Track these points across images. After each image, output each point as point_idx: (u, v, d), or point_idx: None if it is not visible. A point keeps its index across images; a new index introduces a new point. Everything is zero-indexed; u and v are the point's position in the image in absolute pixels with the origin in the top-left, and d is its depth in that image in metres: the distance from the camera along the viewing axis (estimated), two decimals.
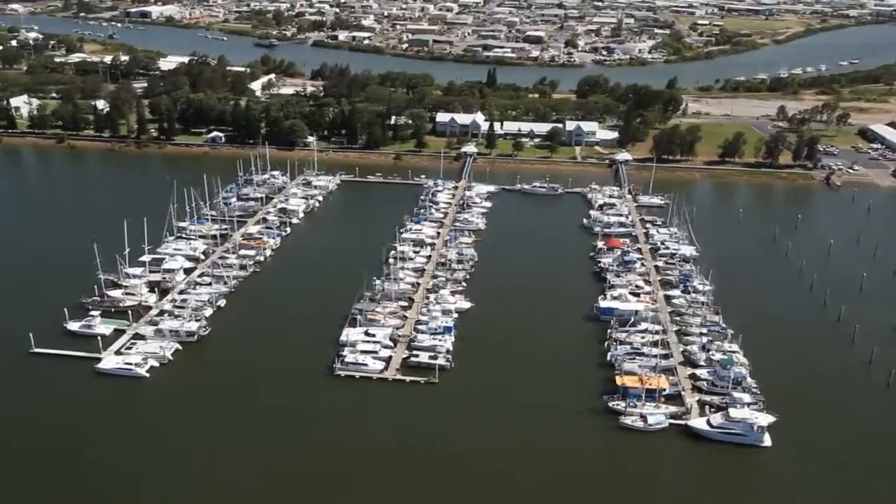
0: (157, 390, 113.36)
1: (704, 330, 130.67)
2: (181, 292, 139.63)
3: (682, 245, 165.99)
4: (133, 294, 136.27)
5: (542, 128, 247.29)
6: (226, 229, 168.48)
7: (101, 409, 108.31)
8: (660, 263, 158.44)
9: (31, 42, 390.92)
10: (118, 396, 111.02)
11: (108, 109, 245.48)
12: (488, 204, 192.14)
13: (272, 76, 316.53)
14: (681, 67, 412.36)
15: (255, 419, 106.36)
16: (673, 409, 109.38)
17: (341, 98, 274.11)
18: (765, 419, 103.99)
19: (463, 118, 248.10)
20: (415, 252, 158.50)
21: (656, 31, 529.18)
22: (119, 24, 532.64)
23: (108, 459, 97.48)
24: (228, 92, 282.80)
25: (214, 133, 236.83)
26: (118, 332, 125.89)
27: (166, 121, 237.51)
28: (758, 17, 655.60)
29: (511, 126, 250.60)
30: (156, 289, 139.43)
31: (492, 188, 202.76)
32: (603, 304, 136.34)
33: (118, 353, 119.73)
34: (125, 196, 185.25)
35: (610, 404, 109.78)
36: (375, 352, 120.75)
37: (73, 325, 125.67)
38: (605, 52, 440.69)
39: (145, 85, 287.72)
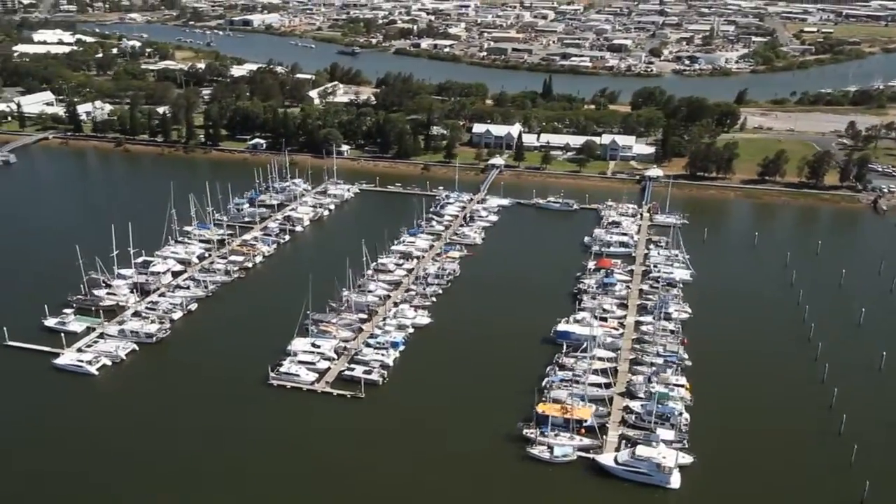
0: (102, 388, 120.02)
1: (660, 360, 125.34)
2: (160, 295, 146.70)
3: (676, 269, 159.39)
4: (114, 294, 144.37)
5: (581, 141, 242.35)
6: (230, 235, 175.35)
7: (46, 401, 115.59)
8: (644, 287, 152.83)
9: (128, 49, 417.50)
10: (64, 391, 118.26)
11: (167, 115, 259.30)
12: (494, 218, 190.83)
13: (328, 85, 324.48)
14: (767, 78, 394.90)
15: (181, 421, 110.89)
16: (587, 441, 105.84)
17: (392, 107, 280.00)
18: (674, 459, 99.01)
19: (499, 129, 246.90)
20: (396, 265, 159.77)
21: (754, 39, 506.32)
22: (220, 32, 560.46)
23: (36, 452, 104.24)
24: (289, 99, 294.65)
25: (256, 140, 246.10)
26: (90, 330, 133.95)
27: (213, 127, 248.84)
28: (877, 24, 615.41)
29: (547, 139, 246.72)
30: (134, 290, 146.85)
31: (506, 202, 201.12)
32: (561, 327, 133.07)
33: (80, 350, 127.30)
34: (148, 198, 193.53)
35: (525, 432, 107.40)
36: (313, 363, 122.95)
37: (50, 322, 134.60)
38: (687, 62, 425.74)
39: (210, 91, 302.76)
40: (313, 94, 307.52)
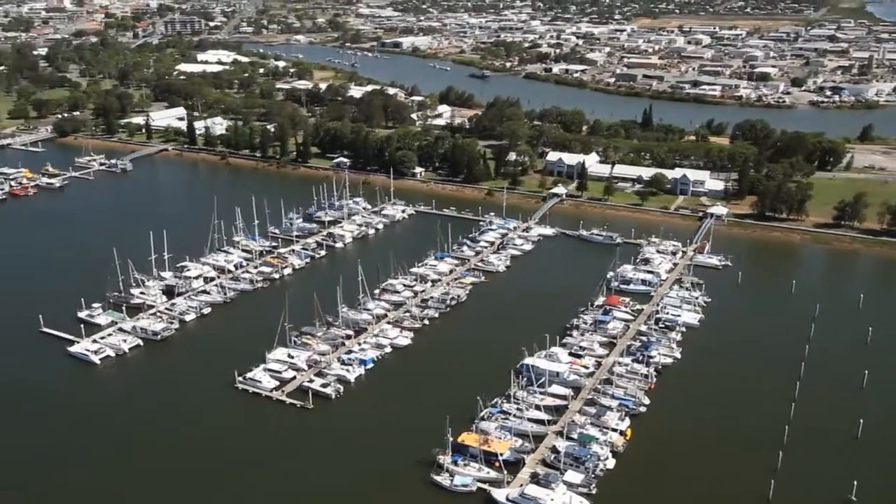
0: (97, 376, 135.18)
1: (615, 403, 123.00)
2: (184, 297, 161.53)
3: (685, 311, 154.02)
4: (145, 294, 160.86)
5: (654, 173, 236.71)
6: (273, 246, 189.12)
7: (46, 382, 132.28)
8: (644, 328, 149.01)
9: (272, 69, 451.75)
10: (65, 374, 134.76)
11: (269, 132, 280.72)
12: (528, 247, 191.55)
13: (429, 108, 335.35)
14: None
15: (148, 410, 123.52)
16: (492, 475, 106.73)
17: (483, 131, 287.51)
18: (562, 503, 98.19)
19: (571, 158, 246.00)
20: (406, 286, 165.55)
21: None
22: (369, 54, 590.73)
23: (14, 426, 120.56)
24: (391, 121, 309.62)
25: (340, 159, 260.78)
26: (113, 324, 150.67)
27: (303, 145, 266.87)
28: None
29: (622, 170, 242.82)
30: (160, 291, 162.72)
31: (549, 231, 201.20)
32: (527, 360, 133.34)
33: (94, 341, 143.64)
34: (220, 205, 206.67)
35: (438, 458, 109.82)
36: (279, 372, 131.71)
37: (82, 314, 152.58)
38: (828, 93, 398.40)
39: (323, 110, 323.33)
40: (416, 115, 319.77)
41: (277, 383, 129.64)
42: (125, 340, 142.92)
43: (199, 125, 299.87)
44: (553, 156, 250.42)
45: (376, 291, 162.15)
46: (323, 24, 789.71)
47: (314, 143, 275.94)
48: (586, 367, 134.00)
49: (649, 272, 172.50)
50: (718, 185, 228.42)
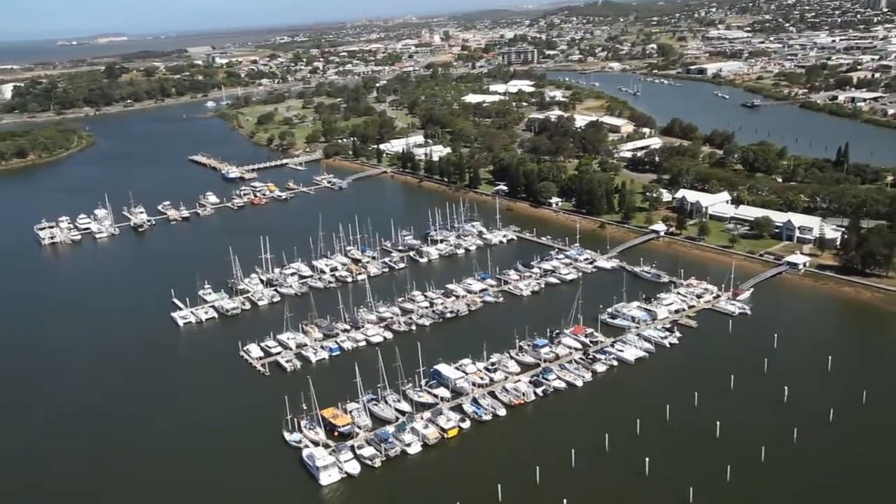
0: (175, 335, 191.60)
1: (471, 409, 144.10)
2: (272, 288, 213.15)
3: (630, 347, 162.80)
4: (248, 283, 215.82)
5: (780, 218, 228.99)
6: (373, 257, 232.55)
7: (142, 329, 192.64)
8: (577, 357, 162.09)
9: (542, 99, 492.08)
10: (155, 332, 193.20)
11: (461, 159, 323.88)
12: (571, 277, 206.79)
13: (625, 138, 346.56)
14: None
15: (181, 353, 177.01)
16: (320, 438, 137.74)
17: (659, 163, 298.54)
18: (325, 462, 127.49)
19: (693, 196, 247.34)
20: (425, 296, 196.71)
21: None
22: (664, 81, 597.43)
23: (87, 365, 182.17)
24: (584, 151, 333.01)
25: (500, 186, 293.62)
26: (214, 301, 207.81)
27: (474, 173, 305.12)
28: None
29: (746, 211, 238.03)
30: (260, 280, 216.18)
31: (608, 265, 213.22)
32: (438, 366, 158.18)
33: (192, 311, 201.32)
34: (348, 218, 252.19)
35: (298, 422, 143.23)
36: (269, 347, 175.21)
37: (200, 291, 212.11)
38: None
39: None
40: (612, 147, 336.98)
41: (262, 355, 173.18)
42: (206, 312, 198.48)
43: (421, 151, 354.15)
44: (679, 193, 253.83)
45: (399, 299, 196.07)
46: (651, 49, 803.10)
47: (493, 171, 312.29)
48: (483, 379, 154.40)
49: (645, 310, 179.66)
50: (832, 234, 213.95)
